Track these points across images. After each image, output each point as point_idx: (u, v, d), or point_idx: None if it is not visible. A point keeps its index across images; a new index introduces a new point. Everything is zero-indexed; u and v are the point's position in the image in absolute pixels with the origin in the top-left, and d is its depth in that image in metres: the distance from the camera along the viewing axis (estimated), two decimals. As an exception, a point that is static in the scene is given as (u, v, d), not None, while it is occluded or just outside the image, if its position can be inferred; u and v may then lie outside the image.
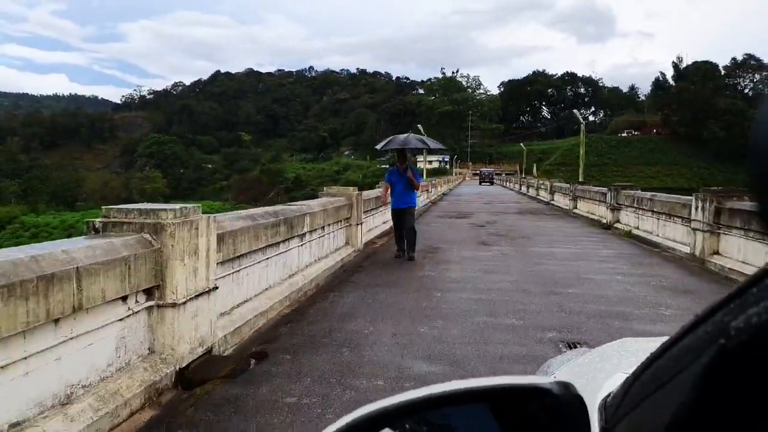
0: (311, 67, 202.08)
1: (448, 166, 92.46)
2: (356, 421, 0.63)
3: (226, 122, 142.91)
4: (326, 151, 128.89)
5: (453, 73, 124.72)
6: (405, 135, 10.51)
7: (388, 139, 10.44)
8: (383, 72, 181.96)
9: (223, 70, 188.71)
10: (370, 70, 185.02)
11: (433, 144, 10.81)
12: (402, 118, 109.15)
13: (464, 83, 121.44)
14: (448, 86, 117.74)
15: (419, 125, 51.08)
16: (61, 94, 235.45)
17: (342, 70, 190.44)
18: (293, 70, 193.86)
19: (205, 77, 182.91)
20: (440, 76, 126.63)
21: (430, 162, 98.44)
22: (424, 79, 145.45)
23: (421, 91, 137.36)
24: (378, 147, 10.45)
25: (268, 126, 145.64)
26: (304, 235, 7.58)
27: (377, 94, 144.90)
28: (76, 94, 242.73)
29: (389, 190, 10.14)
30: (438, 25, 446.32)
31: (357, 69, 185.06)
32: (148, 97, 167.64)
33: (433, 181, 33.69)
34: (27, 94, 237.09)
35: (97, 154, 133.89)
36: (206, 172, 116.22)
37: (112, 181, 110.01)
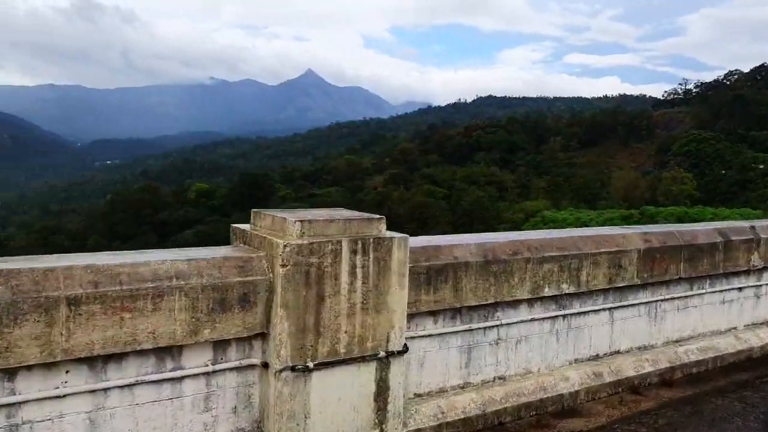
0: None
1: None
2: None
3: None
4: None
5: None
6: None
7: None
8: None
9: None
10: None
11: None
12: None
13: None
14: None
15: None
16: (610, 95, 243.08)
17: None
18: None
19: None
20: None
21: None
22: None
23: None
24: None
25: None
26: None
27: None
28: (624, 94, 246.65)
29: None
30: None
31: None
32: (693, 90, 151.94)
33: None
34: (580, 97, 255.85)
35: (631, 153, 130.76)
36: (755, 174, 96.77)
37: (638, 181, 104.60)
